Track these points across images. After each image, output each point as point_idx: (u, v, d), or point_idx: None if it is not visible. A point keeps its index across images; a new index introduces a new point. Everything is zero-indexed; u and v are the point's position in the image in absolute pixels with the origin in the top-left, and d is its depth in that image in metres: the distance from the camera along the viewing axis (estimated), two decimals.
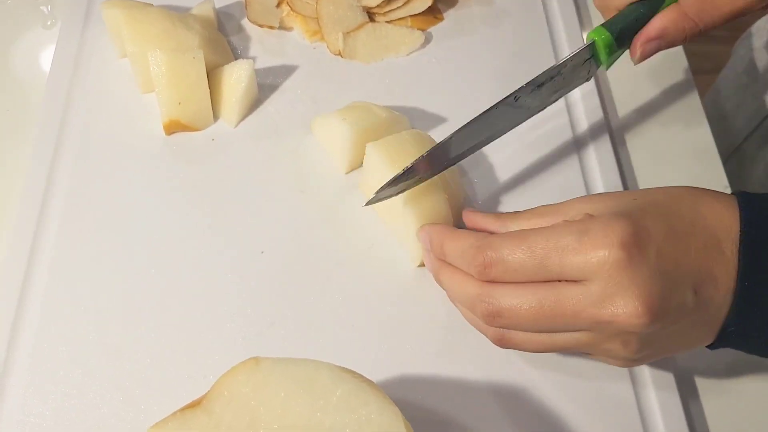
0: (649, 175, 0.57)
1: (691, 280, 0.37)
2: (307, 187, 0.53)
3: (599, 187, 0.54)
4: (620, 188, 0.54)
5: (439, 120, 0.57)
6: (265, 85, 0.58)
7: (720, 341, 0.40)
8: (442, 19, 0.63)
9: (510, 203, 0.53)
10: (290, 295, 0.48)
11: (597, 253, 0.36)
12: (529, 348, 0.42)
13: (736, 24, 0.81)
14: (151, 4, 0.57)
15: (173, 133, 0.55)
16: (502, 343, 0.42)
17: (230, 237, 0.51)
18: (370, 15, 0.61)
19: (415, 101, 0.58)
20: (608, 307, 0.36)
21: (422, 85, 0.59)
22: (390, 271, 0.50)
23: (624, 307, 0.36)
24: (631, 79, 0.62)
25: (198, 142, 0.55)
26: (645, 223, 0.37)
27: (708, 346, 0.41)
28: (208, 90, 0.54)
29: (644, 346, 0.39)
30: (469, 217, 0.46)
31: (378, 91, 0.59)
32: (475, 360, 0.47)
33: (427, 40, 0.62)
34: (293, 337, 0.47)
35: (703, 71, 0.70)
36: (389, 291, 0.49)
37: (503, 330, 0.41)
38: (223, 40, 0.59)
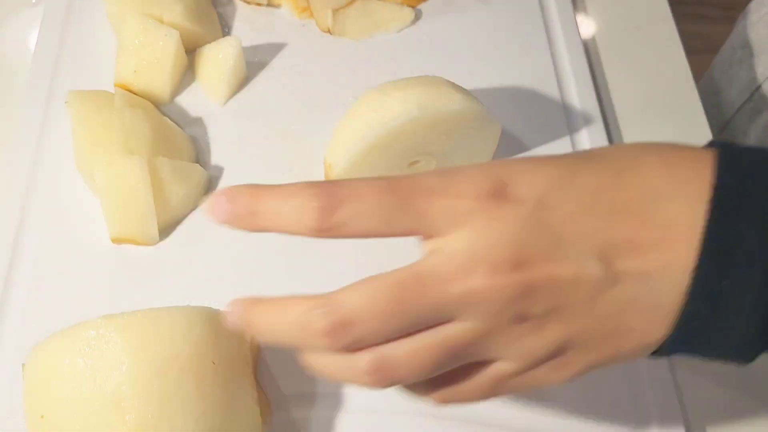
0: None
1: (596, 245, 0.29)
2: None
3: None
4: None
5: None
6: (253, 63, 0.57)
7: (675, 341, 0.30)
8: None
9: None
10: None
11: (461, 203, 0.29)
12: (415, 368, 0.30)
13: (730, 3, 0.80)
14: None
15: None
16: (383, 374, 0.30)
17: None
18: None
19: None
20: (470, 265, 0.28)
21: (412, 62, 0.59)
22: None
23: (487, 263, 0.28)
24: (624, 59, 0.61)
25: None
26: (535, 170, 0.30)
27: (658, 351, 0.31)
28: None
29: (554, 332, 0.30)
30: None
31: (367, 69, 0.58)
32: None
33: (417, 16, 0.61)
34: None
35: (695, 51, 0.69)
36: None
37: (377, 358, 0.29)
38: (213, 13, 0.59)
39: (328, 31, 0.60)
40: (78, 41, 0.57)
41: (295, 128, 0.55)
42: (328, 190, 0.29)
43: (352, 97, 0.56)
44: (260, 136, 0.54)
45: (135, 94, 0.53)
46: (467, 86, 0.47)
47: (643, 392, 0.45)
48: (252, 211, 0.30)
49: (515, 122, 0.55)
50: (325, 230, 0.30)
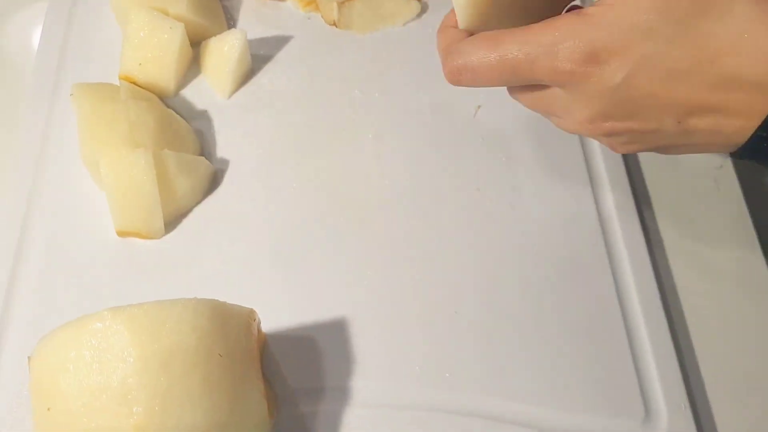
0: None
1: (676, 113, 0.35)
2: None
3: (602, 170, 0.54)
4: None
5: (437, 91, 0.56)
6: (258, 56, 0.57)
7: (741, 154, 0.37)
8: None
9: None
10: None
11: (563, 67, 0.35)
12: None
13: None
14: None
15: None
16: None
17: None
18: None
19: (412, 72, 0.57)
20: (561, 109, 0.38)
21: (419, 56, 0.58)
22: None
23: (571, 116, 0.38)
24: None
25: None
26: (627, 45, 0.34)
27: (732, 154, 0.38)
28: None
29: (627, 143, 0.39)
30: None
31: (374, 62, 0.58)
32: None
33: (424, 9, 0.61)
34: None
35: None
36: None
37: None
38: (217, 5, 0.58)
39: (334, 24, 0.59)
40: (83, 34, 0.57)
41: (300, 121, 0.54)
42: (451, 66, 0.40)
43: (358, 90, 0.56)
44: (265, 129, 0.54)
45: (140, 86, 0.52)
46: None
47: (653, 389, 0.45)
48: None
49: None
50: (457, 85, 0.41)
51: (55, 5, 0.58)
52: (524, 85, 0.39)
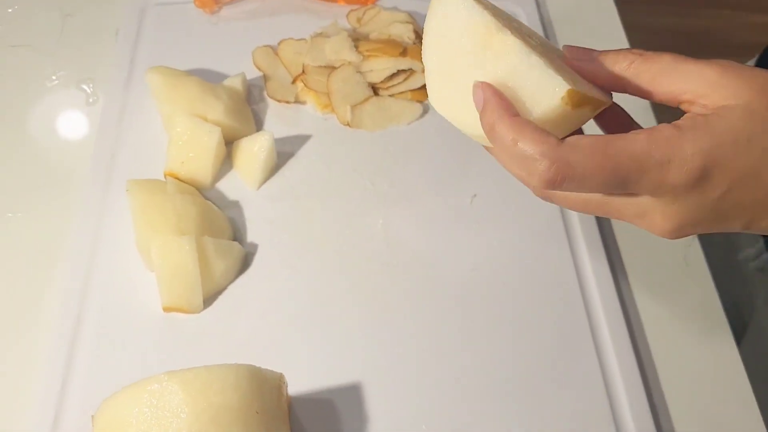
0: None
1: (748, 217, 0.36)
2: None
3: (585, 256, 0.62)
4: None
5: (437, 181, 0.64)
6: (282, 153, 0.66)
7: None
8: None
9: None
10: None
11: (671, 182, 0.35)
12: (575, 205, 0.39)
13: None
14: (189, 74, 0.65)
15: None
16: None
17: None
18: (375, 89, 0.70)
19: (415, 165, 0.66)
20: (647, 216, 0.38)
21: (421, 151, 0.67)
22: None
23: (654, 224, 0.38)
24: None
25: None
26: (732, 159, 0.35)
27: None
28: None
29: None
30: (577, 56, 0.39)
31: (382, 157, 0.66)
32: None
33: (425, 110, 0.70)
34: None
35: None
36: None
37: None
38: (248, 110, 0.67)
39: (347, 124, 0.68)
40: (131, 135, 0.66)
41: (319, 209, 0.62)
42: (559, 165, 0.34)
43: (369, 182, 0.64)
44: (289, 216, 0.62)
45: (182, 181, 0.61)
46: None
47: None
48: (491, 130, 0.36)
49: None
50: (545, 196, 0.38)
51: (108, 110, 0.67)
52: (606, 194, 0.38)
